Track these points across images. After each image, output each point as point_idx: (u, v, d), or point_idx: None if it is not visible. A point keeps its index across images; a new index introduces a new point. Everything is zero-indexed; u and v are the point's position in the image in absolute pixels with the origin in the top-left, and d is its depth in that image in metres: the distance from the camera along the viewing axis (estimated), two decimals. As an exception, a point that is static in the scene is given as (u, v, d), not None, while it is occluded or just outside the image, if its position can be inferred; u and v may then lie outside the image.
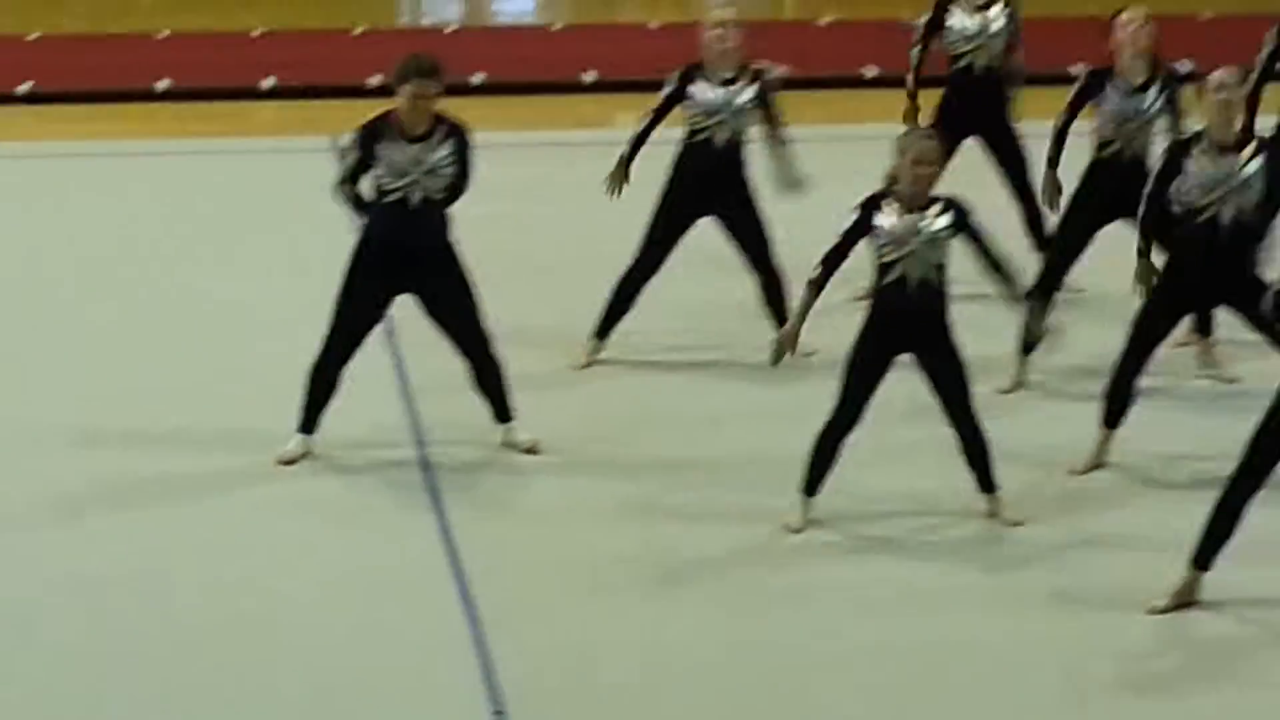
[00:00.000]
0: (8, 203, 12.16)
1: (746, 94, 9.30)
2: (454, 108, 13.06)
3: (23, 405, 8.99)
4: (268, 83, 13.99)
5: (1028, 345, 8.87)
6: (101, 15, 17.04)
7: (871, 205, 7.63)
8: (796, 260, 9.40)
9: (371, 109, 12.41)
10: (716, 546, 8.09)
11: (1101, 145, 8.73)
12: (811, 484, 7.52)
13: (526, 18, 18.31)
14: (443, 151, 8.17)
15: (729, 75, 9.35)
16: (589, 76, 14.74)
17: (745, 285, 9.49)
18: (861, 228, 7.37)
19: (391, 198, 8.13)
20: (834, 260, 7.57)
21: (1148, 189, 7.83)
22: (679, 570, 7.96)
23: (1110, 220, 8.77)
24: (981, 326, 8.60)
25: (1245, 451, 7.09)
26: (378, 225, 8.28)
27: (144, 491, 8.64)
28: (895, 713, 7.00)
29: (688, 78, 9.35)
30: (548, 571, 7.98)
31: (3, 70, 14.72)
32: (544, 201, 12.15)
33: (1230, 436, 7.37)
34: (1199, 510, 7.15)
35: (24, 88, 14.49)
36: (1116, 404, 7.81)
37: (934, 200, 7.42)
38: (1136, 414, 8.21)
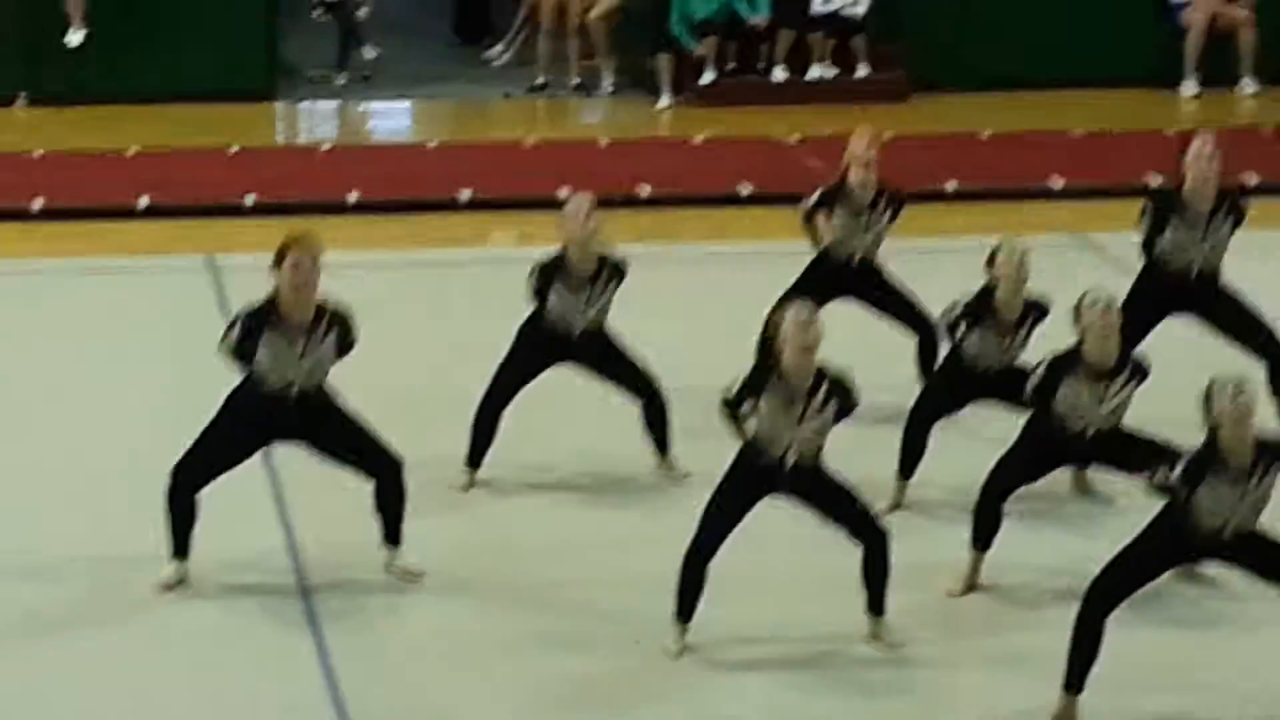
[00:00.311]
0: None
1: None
2: (329, 227, 12.79)
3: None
4: (143, 201, 14.03)
5: (906, 468, 9.02)
6: (-27, 134, 17.73)
7: (746, 394, 7.55)
8: (680, 381, 9.62)
9: (248, 227, 12.71)
10: (595, 673, 8.06)
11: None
12: (684, 610, 7.50)
13: (402, 136, 18.33)
14: (326, 345, 8.13)
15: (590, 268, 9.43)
16: (464, 194, 14.72)
17: (627, 408, 9.53)
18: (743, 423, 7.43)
19: (268, 389, 8.10)
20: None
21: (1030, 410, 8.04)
22: (561, 699, 7.86)
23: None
24: (860, 449, 8.61)
25: (1101, 574, 7.25)
26: (253, 395, 8.21)
27: (16, 620, 8.52)
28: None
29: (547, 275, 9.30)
30: (427, 701, 7.93)
31: (-126, 191, 15.06)
32: (422, 319, 12.13)
33: (1100, 557, 7.52)
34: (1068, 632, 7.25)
35: (-105, 208, 14.82)
36: (985, 526, 7.94)
37: (819, 380, 7.35)
38: (1012, 534, 8.25)
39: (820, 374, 7.54)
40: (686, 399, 9.86)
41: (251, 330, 8.26)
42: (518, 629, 8.45)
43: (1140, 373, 8.19)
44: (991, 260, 9.04)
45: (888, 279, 10.46)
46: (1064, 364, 8.09)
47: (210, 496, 8.80)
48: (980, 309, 8.83)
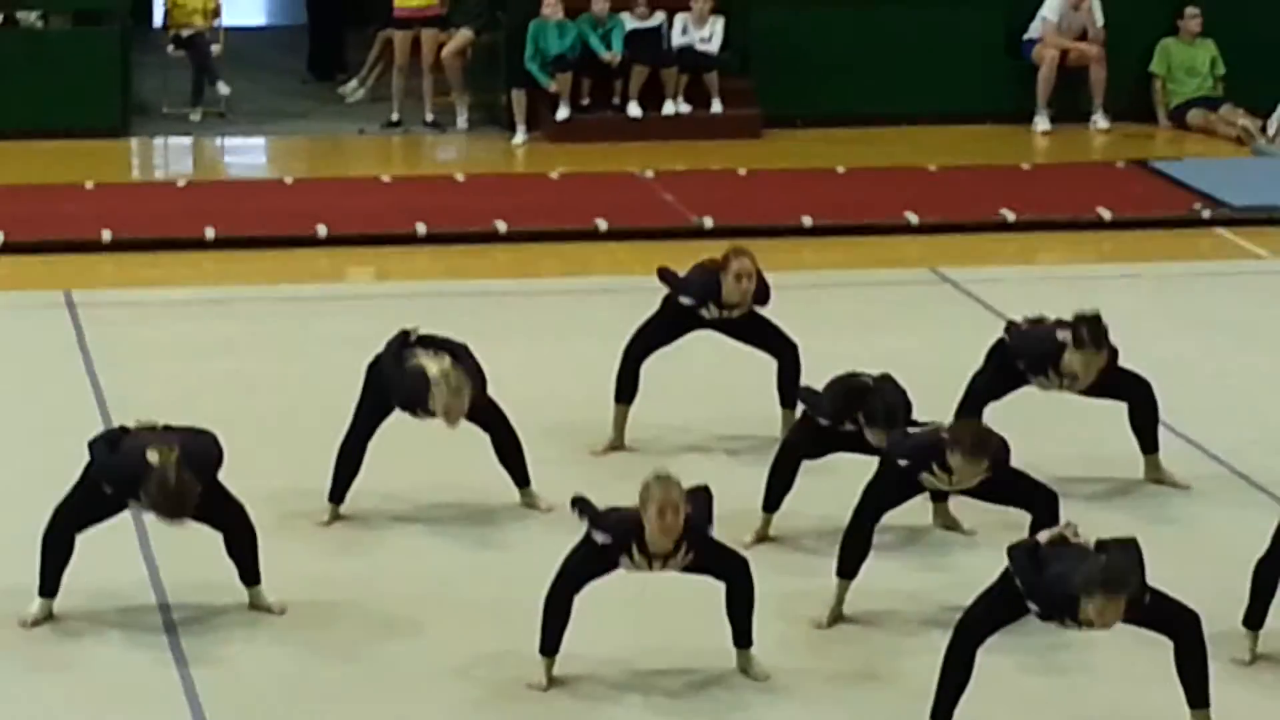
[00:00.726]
0: None
1: None
2: (185, 262, 13.35)
3: None
4: (-1, 237, 14.45)
5: (771, 501, 9.12)
6: None
7: (614, 551, 7.57)
8: (540, 416, 9.77)
9: (104, 263, 13.07)
10: (456, 705, 8.01)
11: None
12: (548, 643, 7.52)
13: (258, 171, 18.02)
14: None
15: None
16: (321, 230, 14.57)
17: (480, 440, 9.49)
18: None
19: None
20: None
21: None
22: None
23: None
24: (723, 480, 8.63)
25: (972, 605, 7.40)
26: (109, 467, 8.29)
27: None
28: None
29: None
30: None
31: None
32: (277, 357, 12.07)
33: (967, 585, 7.72)
34: (936, 660, 7.34)
35: None
36: (853, 554, 8.06)
37: (679, 544, 7.40)
38: (877, 562, 8.35)
39: (683, 538, 7.54)
40: (546, 433, 9.91)
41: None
42: (385, 664, 8.43)
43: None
44: None
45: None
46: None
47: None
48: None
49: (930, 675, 7.40)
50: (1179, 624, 6.66)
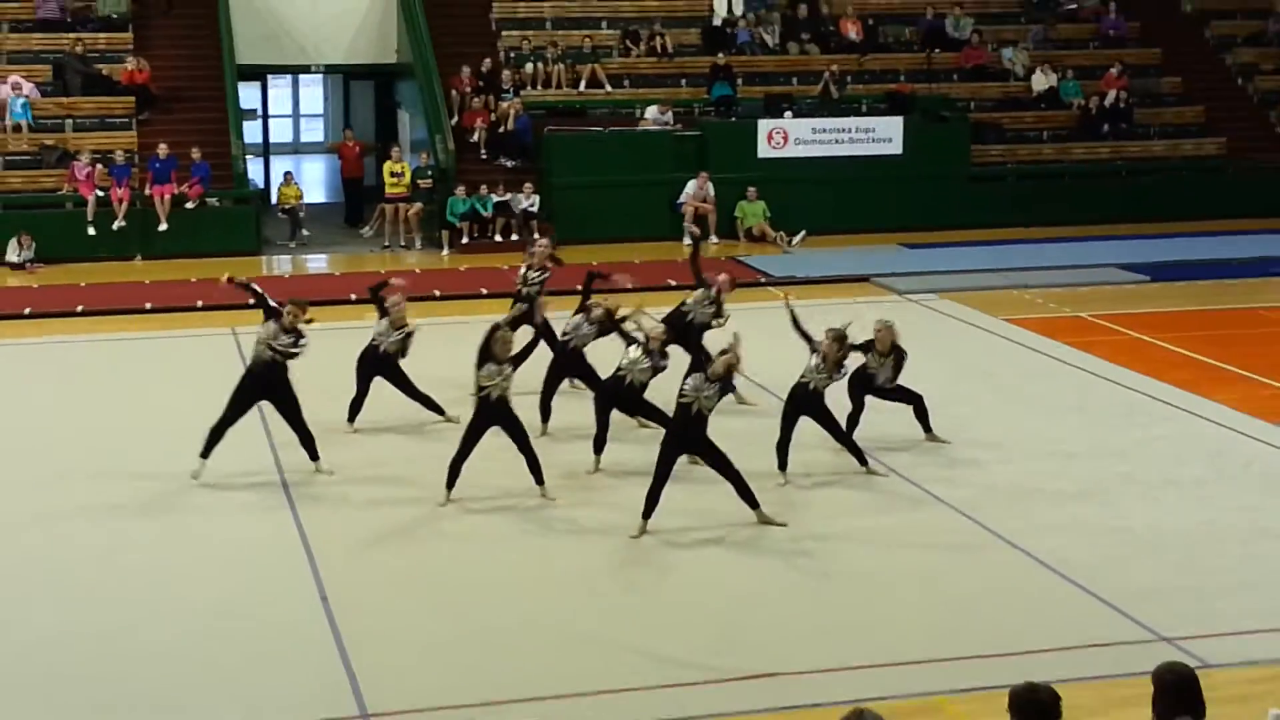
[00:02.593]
0: None
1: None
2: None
3: None
4: None
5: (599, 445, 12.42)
6: None
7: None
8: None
9: (254, 314, 13.29)
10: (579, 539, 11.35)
11: None
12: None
13: (322, 268, 22.52)
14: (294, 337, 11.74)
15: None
16: (353, 296, 17.76)
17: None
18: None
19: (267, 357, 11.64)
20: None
21: None
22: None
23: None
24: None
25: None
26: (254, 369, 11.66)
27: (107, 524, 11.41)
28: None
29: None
30: (373, 535, 11.04)
31: None
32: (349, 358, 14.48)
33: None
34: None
35: None
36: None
37: None
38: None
39: None
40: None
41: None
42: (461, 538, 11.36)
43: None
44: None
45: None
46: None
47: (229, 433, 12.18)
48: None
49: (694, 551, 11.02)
50: None
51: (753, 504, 11.25)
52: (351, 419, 13.48)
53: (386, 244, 23.62)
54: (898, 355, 13.06)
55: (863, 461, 12.51)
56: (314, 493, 12.09)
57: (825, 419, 12.53)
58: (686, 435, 11.11)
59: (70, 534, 11.13)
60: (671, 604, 10.13)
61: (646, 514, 11.12)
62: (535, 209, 23.62)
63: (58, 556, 10.65)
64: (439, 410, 13.40)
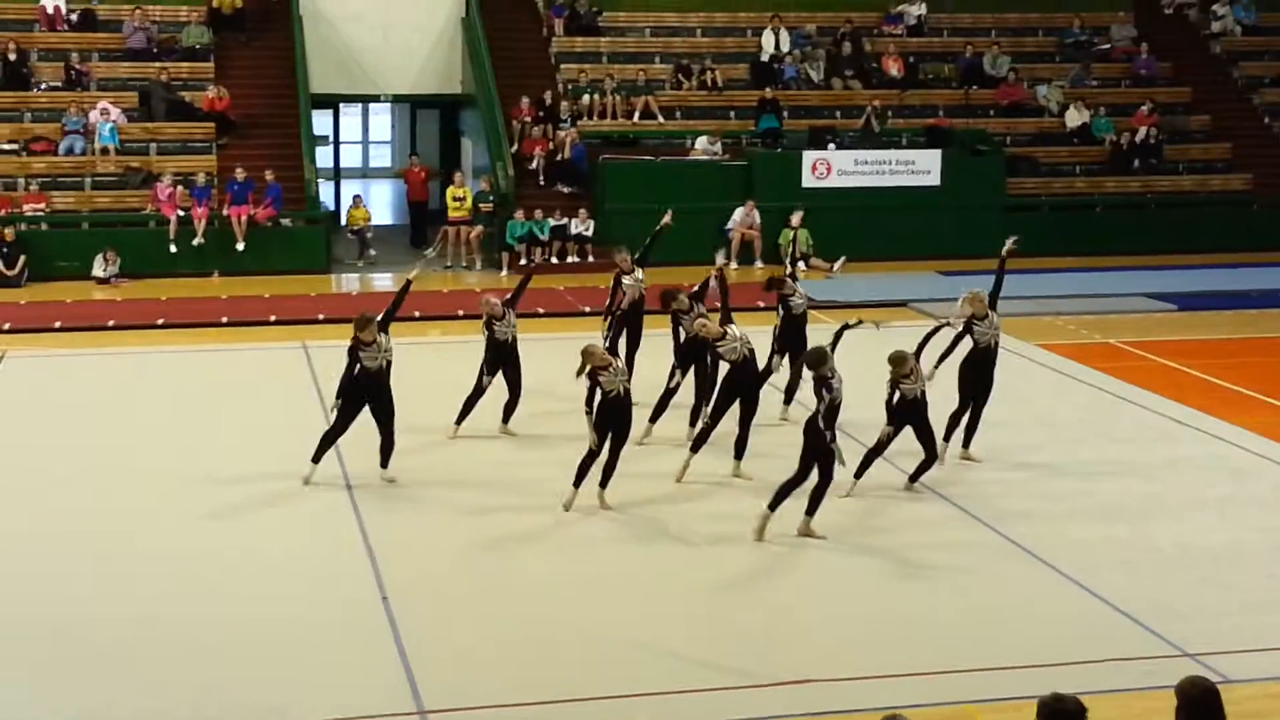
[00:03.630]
0: None
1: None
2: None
3: None
4: None
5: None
6: None
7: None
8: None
9: (323, 329, 15.51)
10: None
11: None
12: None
13: (388, 287, 22.10)
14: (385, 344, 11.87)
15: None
16: (416, 313, 18.49)
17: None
18: None
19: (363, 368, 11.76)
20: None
21: None
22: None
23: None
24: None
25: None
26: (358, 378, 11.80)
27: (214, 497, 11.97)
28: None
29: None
30: (431, 528, 11.29)
31: None
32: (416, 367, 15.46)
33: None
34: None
35: None
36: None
37: None
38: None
39: None
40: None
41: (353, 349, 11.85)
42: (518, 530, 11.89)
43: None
44: None
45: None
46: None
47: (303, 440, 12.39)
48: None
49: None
50: None
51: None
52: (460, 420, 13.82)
53: (449, 264, 23.83)
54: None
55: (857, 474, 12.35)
56: (378, 496, 12.31)
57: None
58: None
59: (136, 533, 11.40)
60: (714, 610, 10.15)
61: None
62: (589, 233, 23.76)
63: (127, 552, 10.91)
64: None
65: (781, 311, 14.06)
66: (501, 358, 13.41)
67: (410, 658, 9.10)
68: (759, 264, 23.86)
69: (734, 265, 23.49)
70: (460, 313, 20.05)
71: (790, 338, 14.01)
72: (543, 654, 9.30)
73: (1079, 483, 13.09)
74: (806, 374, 11.43)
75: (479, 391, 13.57)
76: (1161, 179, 26.74)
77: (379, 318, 11.99)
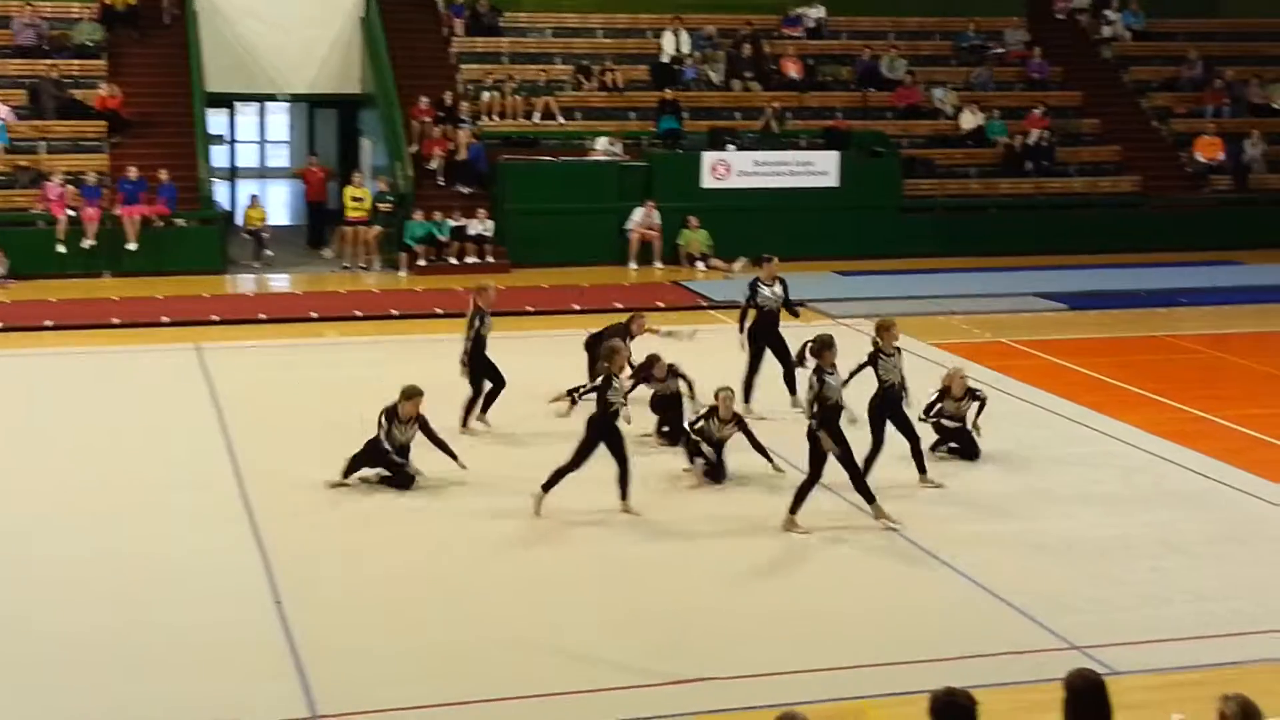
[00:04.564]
0: None
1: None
2: (252, 331, 16.85)
3: None
4: None
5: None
6: None
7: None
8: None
9: (215, 331, 15.67)
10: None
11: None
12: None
13: (284, 288, 22.37)
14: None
15: None
16: (314, 313, 19.12)
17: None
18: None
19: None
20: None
21: None
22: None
23: None
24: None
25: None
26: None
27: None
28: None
29: None
30: (326, 531, 11.27)
31: None
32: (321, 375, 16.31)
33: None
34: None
35: None
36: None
37: None
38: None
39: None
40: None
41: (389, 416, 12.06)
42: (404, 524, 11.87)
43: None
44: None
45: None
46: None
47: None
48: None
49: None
50: None
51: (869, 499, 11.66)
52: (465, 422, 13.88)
53: (347, 265, 23.74)
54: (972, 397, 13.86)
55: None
56: (271, 501, 12.16)
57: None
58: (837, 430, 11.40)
59: (27, 535, 11.25)
60: (614, 610, 10.16)
61: (793, 509, 11.49)
62: (489, 233, 23.75)
63: (16, 556, 10.78)
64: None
65: (754, 308, 14.69)
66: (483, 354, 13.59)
67: (304, 661, 8.99)
68: (658, 264, 24.08)
69: (633, 266, 23.89)
70: (358, 313, 20.12)
71: (763, 333, 14.66)
72: (440, 656, 9.23)
73: (970, 480, 13.20)
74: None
75: (494, 386, 13.95)
76: (1053, 181, 27.16)
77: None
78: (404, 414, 11.93)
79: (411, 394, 11.91)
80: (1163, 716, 7.65)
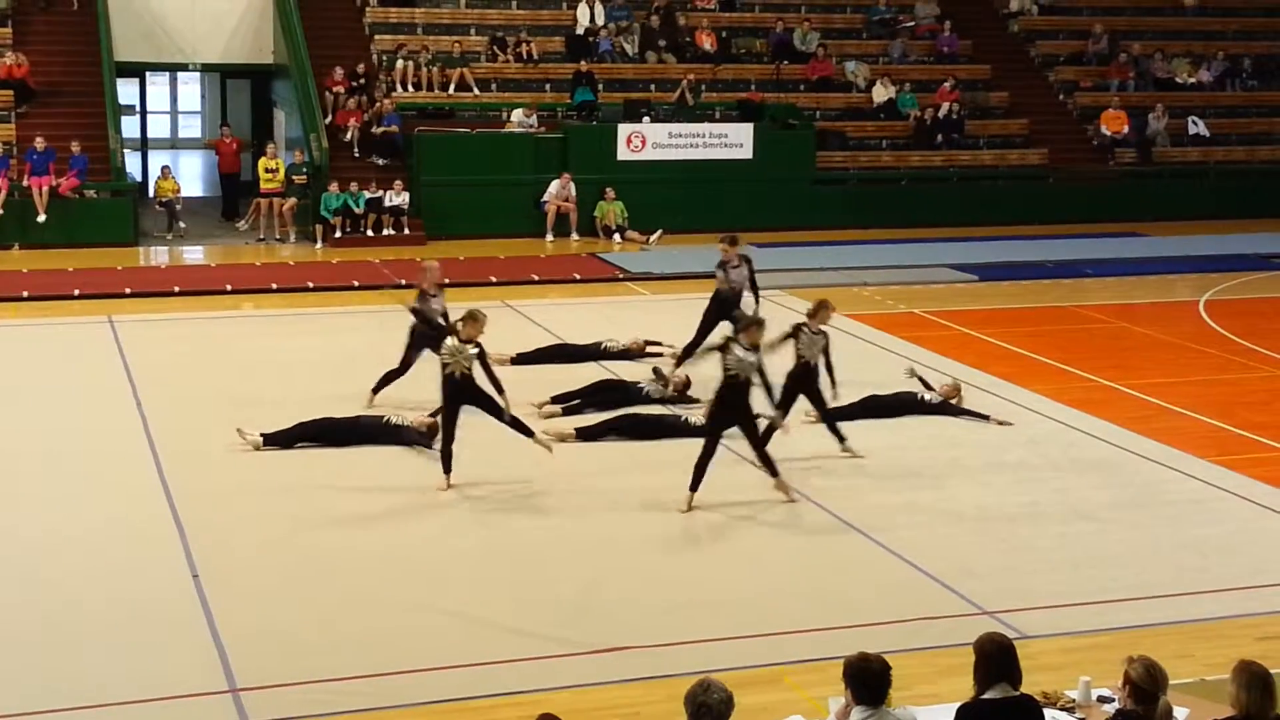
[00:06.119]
0: None
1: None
2: (166, 303, 16.54)
3: None
4: None
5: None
6: None
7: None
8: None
9: (129, 303, 15.37)
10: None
11: None
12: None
13: (199, 260, 21.95)
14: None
15: None
16: (228, 286, 18.85)
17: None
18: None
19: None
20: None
21: None
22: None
23: None
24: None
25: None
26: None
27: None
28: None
29: None
30: (246, 505, 11.05)
31: None
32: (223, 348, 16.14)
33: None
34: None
35: None
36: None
37: None
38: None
39: None
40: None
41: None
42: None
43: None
44: None
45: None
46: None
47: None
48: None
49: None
50: None
51: (773, 472, 11.53)
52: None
53: (261, 237, 23.52)
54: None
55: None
56: (187, 475, 12.01)
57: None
58: (735, 404, 11.19)
59: None
60: (529, 580, 10.13)
61: (693, 486, 11.22)
62: (405, 205, 23.59)
63: None
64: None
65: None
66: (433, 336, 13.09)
67: (222, 636, 8.92)
68: (575, 236, 24.01)
69: (550, 238, 23.87)
70: (273, 285, 19.92)
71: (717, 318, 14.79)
72: (358, 629, 9.18)
73: (882, 448, 13.34)
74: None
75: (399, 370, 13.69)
76: (963, 153, 27.37)
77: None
78: (464, 334, 11.73)
79: (476, 316, 11.73)
80: (1071, 679, 7.71)
